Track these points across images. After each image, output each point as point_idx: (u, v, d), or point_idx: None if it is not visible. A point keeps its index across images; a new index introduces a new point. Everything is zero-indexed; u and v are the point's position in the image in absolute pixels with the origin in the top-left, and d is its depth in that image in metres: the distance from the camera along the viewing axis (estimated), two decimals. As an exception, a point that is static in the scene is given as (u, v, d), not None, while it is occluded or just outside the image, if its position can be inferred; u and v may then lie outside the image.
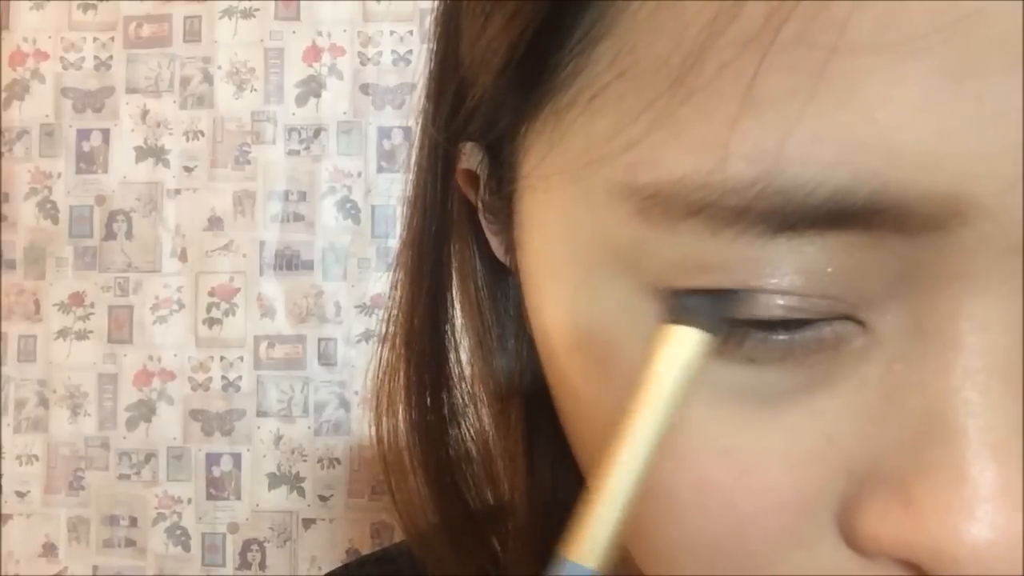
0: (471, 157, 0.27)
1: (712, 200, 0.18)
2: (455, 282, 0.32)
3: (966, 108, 0.16)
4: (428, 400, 0.33)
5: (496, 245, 0.28)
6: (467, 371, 0.33)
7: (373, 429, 0.33)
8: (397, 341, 0.33)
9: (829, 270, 0.18)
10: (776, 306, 0.19)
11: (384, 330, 0.33)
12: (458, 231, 0.31)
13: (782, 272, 0.18)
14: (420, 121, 0.30)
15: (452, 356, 0.33)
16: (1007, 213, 0.17)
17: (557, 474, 0.31)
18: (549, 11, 0.20)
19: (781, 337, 0.19)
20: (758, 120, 0.17)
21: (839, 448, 0.19)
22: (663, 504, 0.21)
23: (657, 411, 0.19)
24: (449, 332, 0.33)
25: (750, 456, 0.20)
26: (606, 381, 0.22)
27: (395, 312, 0.33)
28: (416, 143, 0.31)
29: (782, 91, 0.17)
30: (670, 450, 0.20)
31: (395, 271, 0.33)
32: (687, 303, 0.19)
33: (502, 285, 0.32)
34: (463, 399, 0.33)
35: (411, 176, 0.31)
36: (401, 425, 0.33)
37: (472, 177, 0.28)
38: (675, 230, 0.19)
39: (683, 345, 0.19)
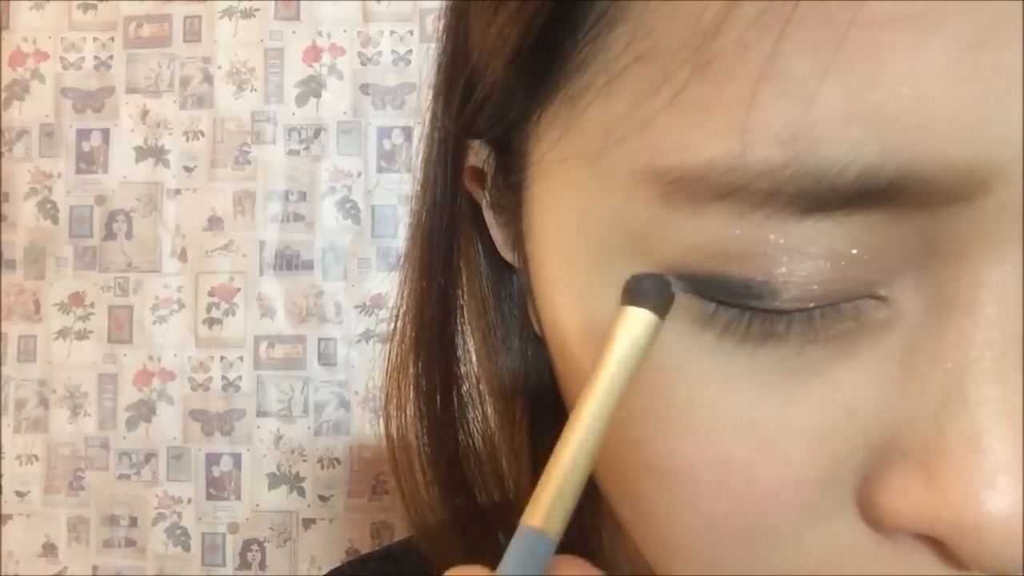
0: (478, 154, 0.27)
1: (742, 184, 0.18)
2: (462, 280, 0.32)
3: (986, 77, 0.16)
4: (437, 396, 0.33)
5: (502, 240, 0.28)
6: (473, 369, 0.33)
7: (381, 425, 0.33)
8: (406, 337, 0.33)
9: (853, 251, 0.18)
10: (799, 299, 0.19)
11: (392, 326, 0.33)
12: (464, 229, 0.31)
13: (807, 256, 0.18)
14: (428, 116, 0.30)
15: (460, 353, 0.33)
16: None
17: None
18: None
19: (801, 313, 0.19)
20: (784, 100, 0.17)
21: (860, 421, 0.20)
22: (681, 486, 0.21)
23: (607, 387, 0.20)
24: (459, 328, 0.33)
25: (771, 430, 0.20)
26: None
27: (404, 308, 0.33)
28: (425, 138, 0.31)
29: (806, 71, 0.17)
30: (689, 429, 0.20)
31: (403, 266, 0.33)
32: (641, 285, 0.20)
33: (507, 285, 0.32)
34: (471, 396, 0.33)
35: (419, 172, 0.31)
36: (409, 421, 0.33)
37: (478, 174, 0.28)
38: (700, 214, 0.19)
39: (635, 325, 0.20)
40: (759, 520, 0.21)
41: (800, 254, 0.18)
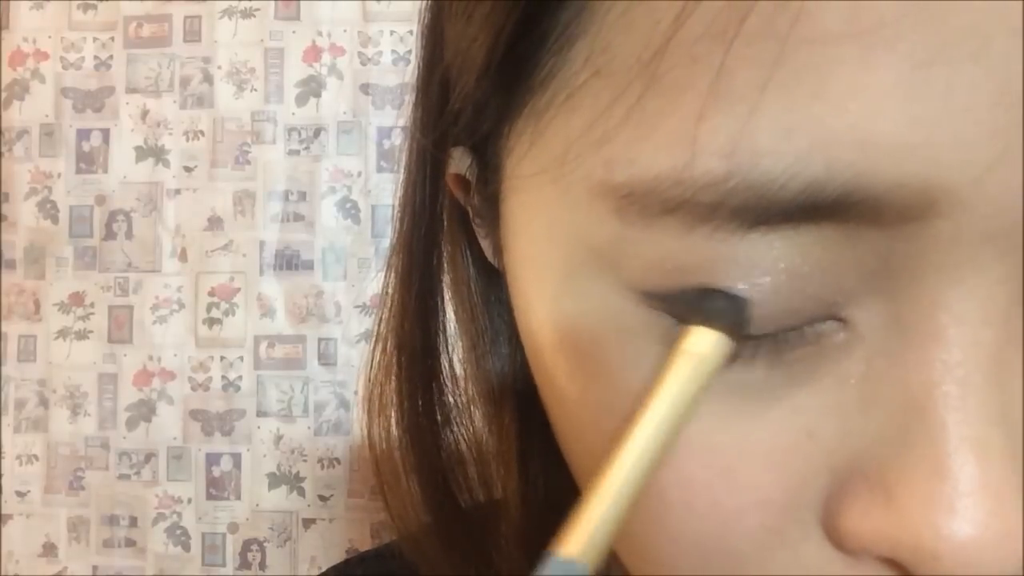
0: (460, 162, 0.27)
1: (687, 197, 0.18)
2: (448, 285, 0.32)
3: (936, 96, 0.16)
4: (420, 402, 0.33)
5: (486, 248, 0.28)
6: (460, 374, 0.33)
7: (365, 431, 0.33)
8: (388, 344, 0.33)
9: (805, 268, 0.18)
10: (758, 319, 0.19)
11: (376, 332, 0.33)
12: (449, 235, 0.31)
13: (759, 271, 0.18)
14: (409, 125, 0.30)
15: (445, 359, 0.33)
16: (982, 201, 0.17)
17: (550, 476, 0.31)
18: (525, 12, 0.20)
19: (766, 337, 0.19)
20: (728, 114, 0.17)
21: (821, 445, 0.19)
22: (649, 503, 0.21)
23: (667, 411, 0.19)
24: (442, 335, 0.33)
25: (733, 454, 0.20)
26: (590, 381, 0.22)
27: (386, 315, 0.33)
28: (405, 147, 0.31)
29: (751, 84, 0.17)
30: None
31: (387, 274, 0.33)
32: (712, 304, 0.19)
33: (495, 289, 0.32)
34: (457, 402, 0.33)
35: (401, 179, 0.31)
36: (393, 427, 0.33)
37: (463, 181, 0.28)
38: (652, 228, 0.19)
39: (701, 347, 0.19)
40: (725, 541, 0.21)
41: (752, 269, 0.18)
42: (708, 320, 0.19)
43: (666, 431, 0.19)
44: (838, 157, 0.16)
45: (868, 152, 0.16)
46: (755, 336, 0.19)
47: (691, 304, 0.19)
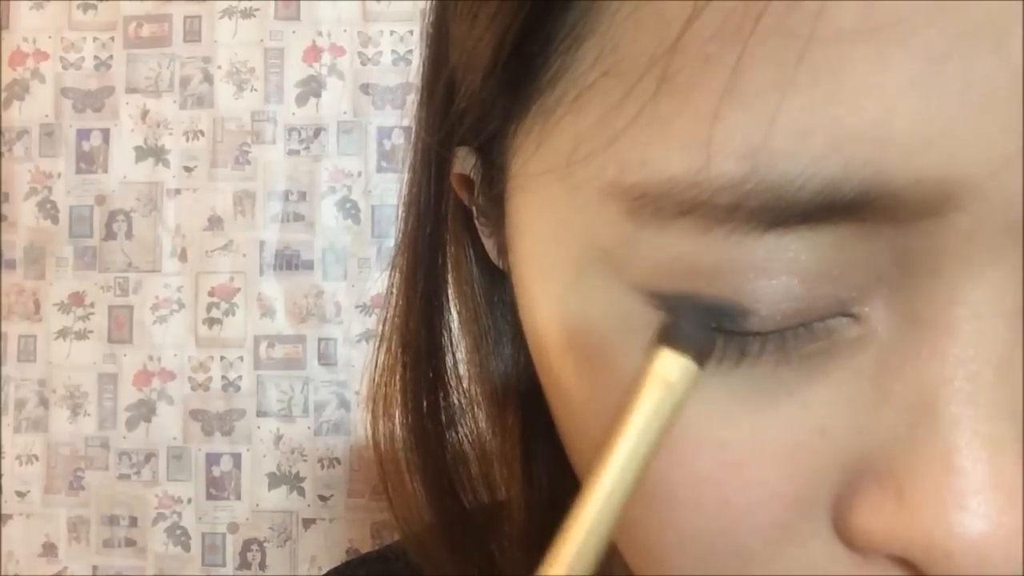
0: (465, 161, 0.27)
1: (704, 199, 0.17)
2: (452, 285, 0.32)
3: (953, 91, 0.16)
4: (424, 403, 0.33)
5: (490, 248, 0.28)
6: (464, 374, 0.33)
7: (370, 431, 0.33)
8: (393, 344, 0.33)
9: (822, 267, 0.18)
10: (771, 318, 0.18)
11: (380, 332, 0.33)
12: (454, 235, 0.31)
13: (773, 272, 0.18)
14: (414, 124, 0.30)
15: (449, 359, 0.33)
16: (1000, 193, 0.16)
17: (554, 477, 0.31)
18: (531, 11, 0.20)
19: (774, 333, 0.19)
20: (744, 115, 0.17)
21: (832, 441, 0.19)
22: (658, 504, 0.21)
23: (641, 436, 0.19)
24: (446, 335, 0.33)
25: (744, 450, 0.20)
26: (598, 382, 0.22)
27: (391, 315, 0.33)
28: (411, 146, 0.31)
29: (766, 84, 0.17)
30: (664, 447, 0.20)
31: (391, 274, 0.33)
32: (682, 326, 0.19)
33: (498, 289, 0.32)
34: (460, 402, 0.33)
35: (406, 179, 0.31)
36: (398, 428, 0.33)
37: (467, 181, 0.28)
38: (665, 230, 0.18)
39: (672, 371, 0.19)
40: (734, 539, 0.20)
41: (767, 270, 0.18)
42: (681, 344, 0.19)
43: (645, 456, 0.19)
44: (855, 156, 0.16)
45: (885, 150, 0.16)
46: (762, 333, 0.19)
47: (663, 327, 0.19)
